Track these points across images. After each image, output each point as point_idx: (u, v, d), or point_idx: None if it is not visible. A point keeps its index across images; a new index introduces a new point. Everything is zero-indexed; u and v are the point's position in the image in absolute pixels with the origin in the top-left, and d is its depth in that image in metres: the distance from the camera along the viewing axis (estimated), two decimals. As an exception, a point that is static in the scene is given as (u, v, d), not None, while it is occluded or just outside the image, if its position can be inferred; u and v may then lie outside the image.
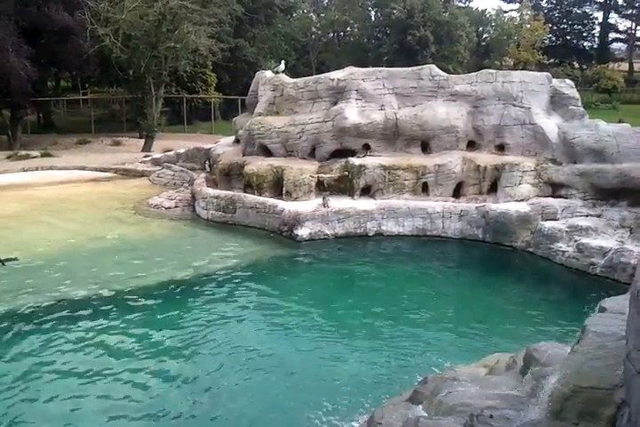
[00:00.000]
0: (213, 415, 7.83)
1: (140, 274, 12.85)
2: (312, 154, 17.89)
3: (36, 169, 24.10)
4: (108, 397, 8.22)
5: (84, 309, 11.02)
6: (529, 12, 54.67)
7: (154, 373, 8.90)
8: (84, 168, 24.36)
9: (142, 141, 30.03)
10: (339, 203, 16.17)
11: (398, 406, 5.70)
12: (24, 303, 11.16)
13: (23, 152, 26.97)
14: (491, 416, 4.37)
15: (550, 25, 57.05)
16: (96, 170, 24.24)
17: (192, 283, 12.58)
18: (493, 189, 16.37)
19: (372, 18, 51.96)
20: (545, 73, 18.69)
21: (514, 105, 17.12)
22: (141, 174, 23.43)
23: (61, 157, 26.89)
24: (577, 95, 17.67)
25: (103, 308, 11.11)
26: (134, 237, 15.56)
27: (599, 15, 63.74)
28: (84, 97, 44.57)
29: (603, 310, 4.69)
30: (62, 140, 31.66)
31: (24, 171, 23.83)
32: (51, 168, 24.25)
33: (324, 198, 16.13)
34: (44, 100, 35.83)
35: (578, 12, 63.66)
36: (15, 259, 13.47)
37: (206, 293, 12.13)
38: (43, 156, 26.67)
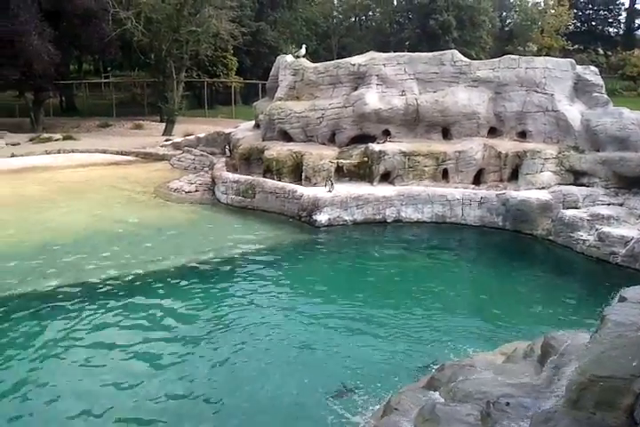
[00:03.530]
0: (229, 393, 7.92)
1: (161, 257, 12.99)
2: (332, 139, 17.86)
3: (58, 152, 24.37)
4: (127, 373, 8.34)
5: (105, 290, 11.17)
6: (553, -3, 53.76)
7: (173, 353, 8.99)
8: (105, 151, 24.59)
9: (163, 125, 30.18)
10: (358, 189, 16.15)
11: (415, 392, 5.73)
12: (47, 285, 11.30)
13: (46, 135, 27.24)
14: (507, 404, 4.38)
15: (575, 10, 56.12)
16: (117, 153, 24.46)
17: (211, 267, 12.69)
18: (514, 176, 16.24)
19: (394, 2, 51.34)
20: (569, 59, 18.44)
21: (536, 91, 16.94)
22: (162, 158, 23.57)
23: (83, 139, 27.15)
24: (601, 82, 17.44)
25: (125, 290, 11.24)
26: (155, 221, 15.70)
27: (625, 0, 62.58)
28: (106, 80, 44.78)
29: (623, 299, 4.66)
30: (84, 124, 31.93)
31: (47, 153, 24.12)
32: (72, 151, 24.48)
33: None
34: (66, 83, 36.10)
35: (604, -4, 62.47)
36: None
37: (226, 276, 12.21)
38: (65, 139, 26.94)
